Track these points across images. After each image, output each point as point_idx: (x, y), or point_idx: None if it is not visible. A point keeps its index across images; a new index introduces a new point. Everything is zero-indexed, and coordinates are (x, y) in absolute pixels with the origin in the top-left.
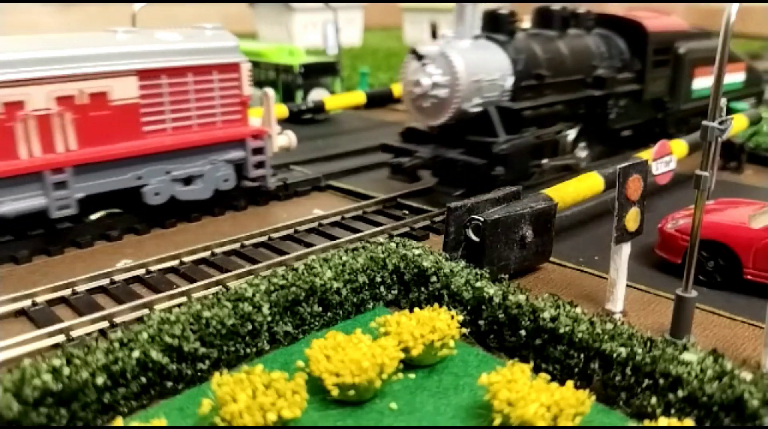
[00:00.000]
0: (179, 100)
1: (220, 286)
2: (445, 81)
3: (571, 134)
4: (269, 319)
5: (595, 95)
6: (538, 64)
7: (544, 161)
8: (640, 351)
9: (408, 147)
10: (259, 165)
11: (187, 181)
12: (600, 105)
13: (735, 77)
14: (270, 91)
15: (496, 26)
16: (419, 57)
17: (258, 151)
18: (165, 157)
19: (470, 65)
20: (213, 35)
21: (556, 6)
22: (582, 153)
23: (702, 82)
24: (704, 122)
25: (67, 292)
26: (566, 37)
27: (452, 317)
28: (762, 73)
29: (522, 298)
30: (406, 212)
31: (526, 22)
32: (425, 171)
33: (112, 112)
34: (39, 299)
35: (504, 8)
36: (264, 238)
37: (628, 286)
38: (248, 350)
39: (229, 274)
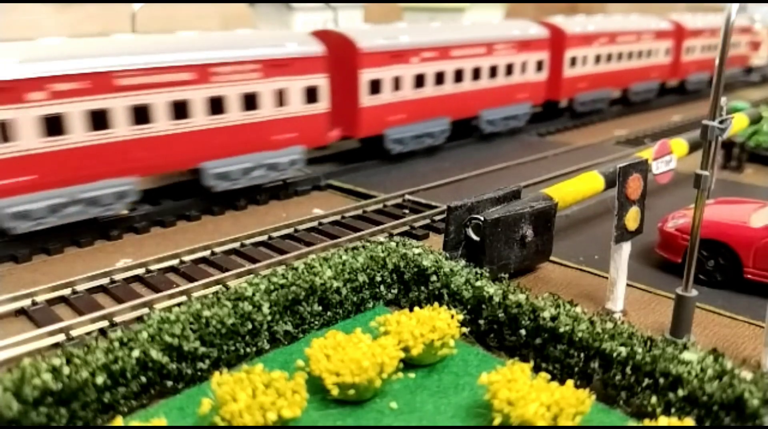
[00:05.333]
0: None
1: (220, 286)
2: None
3: None
4: (269, 318)
5: None
6: None
7: None
8: (640, 350)
9: None
10: None
11: None
12: None
13: None
14: None
15: None
16: None
17: None
18: None
19: None
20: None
21: None
22: None
23: None
24: (704, 121)
25: (66, 291)
26: None
27: (452, 316)
28: None
29: (522, 297)
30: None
31: None
32: None
33: None
34: (39, 298)
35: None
36: (264, 238)
37: (628, 285)
38: (248, 349)
39: (229, 273)
